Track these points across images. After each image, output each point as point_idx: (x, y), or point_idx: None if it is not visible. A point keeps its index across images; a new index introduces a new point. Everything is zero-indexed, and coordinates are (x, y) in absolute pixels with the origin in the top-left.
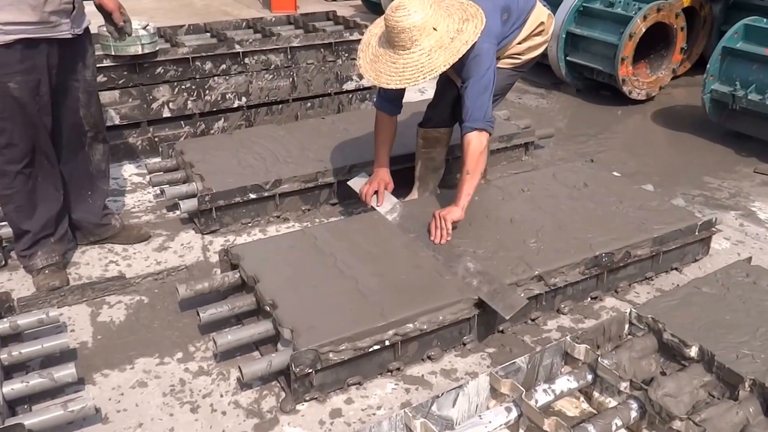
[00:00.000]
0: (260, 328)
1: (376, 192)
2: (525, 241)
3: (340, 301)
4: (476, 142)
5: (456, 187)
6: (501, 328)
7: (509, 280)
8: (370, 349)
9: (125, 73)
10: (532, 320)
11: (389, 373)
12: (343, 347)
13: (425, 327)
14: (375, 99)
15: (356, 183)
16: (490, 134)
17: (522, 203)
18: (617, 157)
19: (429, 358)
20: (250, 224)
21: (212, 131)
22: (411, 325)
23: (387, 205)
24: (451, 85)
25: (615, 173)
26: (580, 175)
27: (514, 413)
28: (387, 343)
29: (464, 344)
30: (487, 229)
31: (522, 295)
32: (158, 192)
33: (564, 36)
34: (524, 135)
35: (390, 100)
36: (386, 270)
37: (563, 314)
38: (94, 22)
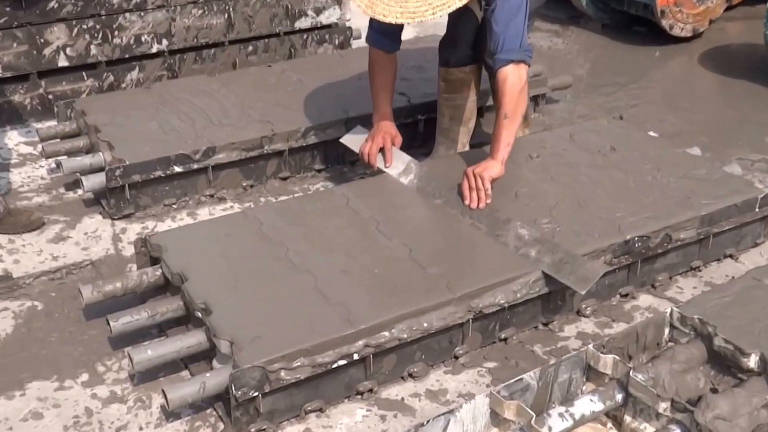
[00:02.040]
0: (190, 340)
1: (381, 150)
2: (536, 222)
3: (293, 303)
4: (514, 78)
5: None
6: (503, 336)
7: (511, 273)
8: (334, 365)
9: (7, 9)
10: (545, 324)
11: (359, 396)
12: (299, 363)
13: (405, 335)
14: (368, 33)
15: (352, 140)
16: (528, 66)
17: (530, 173)
18: (654, 113)
19: (411, 375)
20: (175, 206)
21: (124, 85)
22: (386, 333)
23: (398, 165)
24: (468, 13)
25: (651, 133)
26: (605, 137)
27: None
28: (356, 356)
29: (456, 357)
30: (485, 207)
31: (602, 262)
32: (53, 165)
33: None
34: (533, 85)
35: (386, 34)
36: (360, 260)
37: (584, 316)
38: None
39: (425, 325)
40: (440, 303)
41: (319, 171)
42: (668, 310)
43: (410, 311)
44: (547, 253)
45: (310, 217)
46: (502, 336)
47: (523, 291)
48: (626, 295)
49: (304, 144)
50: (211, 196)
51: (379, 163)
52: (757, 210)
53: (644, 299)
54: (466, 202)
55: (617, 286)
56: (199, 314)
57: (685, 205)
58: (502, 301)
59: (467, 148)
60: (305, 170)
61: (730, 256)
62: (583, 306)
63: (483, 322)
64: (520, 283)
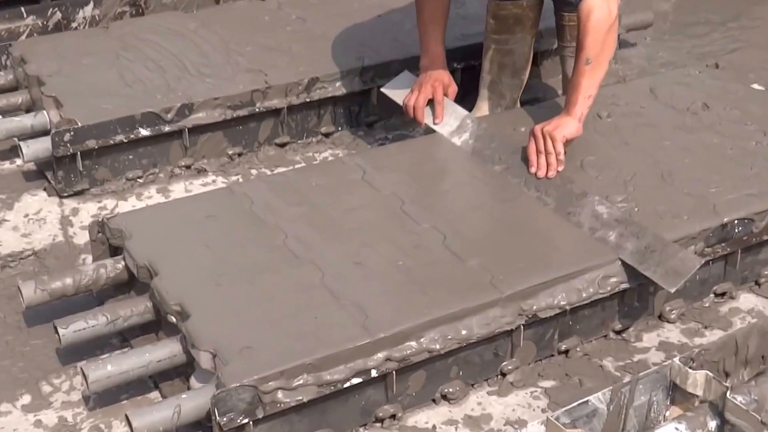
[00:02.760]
0: (161, 352)
1: (429, 102)
2: (608, 198)
3: (293, 304)
4: (601, 12)
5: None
6: (564, 347)
7: (579, 265)
8: (347, 384)
9: None
10: (617, 333)
11: (378, 425)
12: (301, 382)
13: (437, 346)
14: None
15: (396, 89)
16: None
17: (600, 137)
18: (759, 59)
19: (445, 397)
20: (141, 180)
21: (74, 24)
22: (413, 344)
23: (451, 122)
24: None
25: (756, 86)
26: (696, 91)
27: None
28: (374, 373)
29: (503, 374)
30: (555, 176)
31: (693, 252)
32: None
33: None
34: None
35: None
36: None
37: (669, 321)
38: None
39: (463, 332)
40: (483, 305)
41: (326, 135)
42: None
43: (444, 315)
44: (631, 238)
45: (315, 194)
46: (563, 347)
47: (591, 289)
48: (722, 295)
49: (307, 100)
50: (188, 167)
51: (426, 118)
52: None
53: (746, 300)
54: (532, 169)
55: (711, 283)
56: (173, 318)
57: None
58: (563, 303)
59: (518, 105)
60: (309, 134)
61: None
62: (667, 308)
63: (538, 329)
64: (587, 279)
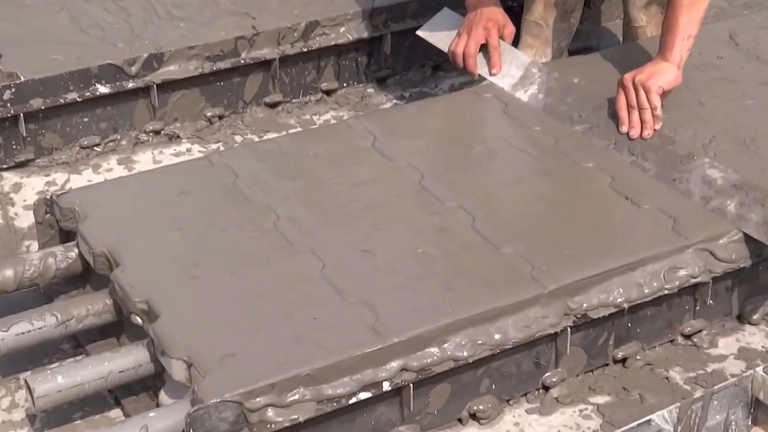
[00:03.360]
0: (123, 360)
1: (482, 47)
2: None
3: (287, 302)
4: None
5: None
6: (620, 354)
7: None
8: (353, 400)
9: None
10: (686, 337)
11: None
12: (297, 396)
13: (464, 353)
14: None
15: (436, 32)
16: None
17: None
18: None
19: (474, 417)
20: (99, 148)
21: None
22: (434, 350)
23: (513, 71)
24: None
25: None
26: None
27: None
28: (387, 386)
29: (546, 387)
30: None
31: None
32: None
33: None
34: None
35: None
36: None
37: (750, 323)
38: None
39: (497, 337)
40: (521, 302)
41: (328, 93)
42: None
43: (472, 315)
44: (755, 206)
45: (313, 165)
46: (620, 355)
47: (655, 283)
48: None
49: (304, 50)
50: (157, 132)
51: (480, 68)
52: None
53: None
54: (623, 128)
55: None
56: (138, 319)
57: None
58: (619, 299)
59: (565, 54)
60: (306, 92)
61: None
62: (749, 307)
63: (589, 332)
64: (650, 271)
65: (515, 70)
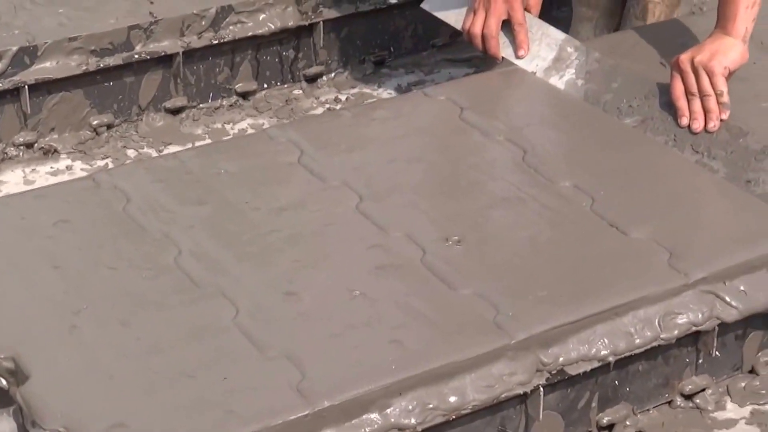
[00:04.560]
0: None
1: (504, 23)
2: None
3: (192, 356)
4: None
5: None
6: (606, 420)
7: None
8: None
9: None
10: (687, 397)
11: None
12: None
13: (412, 420)
14: None
15: (446, 4)
16: None
17: None
18: None
19: None
20: None
21: None
22: (375, 416)
23: (543, 52)
24: None
25: None
26: None
27: None
28: None
29: None
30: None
31: None
32: None
33: None
34: None
35: None
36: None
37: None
38: None
39: (452, 399)
40: (482, 356)
41: (244, 96)
42: None
43: (421, 373)
44: None
45: (225, 186)
46: (605, 420)
47: (648, 332)
48: None
49: (214, 42)
50: (29, 146)
51: (504, 50)
52: None
53: None
54: (684, 120)
55: None
56: (3, 381)
57: None
58: (603, 352)
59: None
60: (217, 95)
61: None
62: (764, 360)
63: (566, 391)
64: (642, 317)
65: (546, 51)
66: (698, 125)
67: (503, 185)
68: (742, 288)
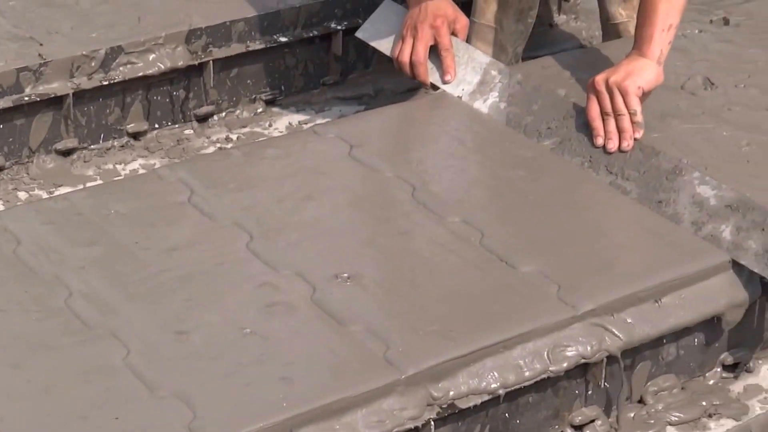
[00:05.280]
0: None
1: (432, 48)
2: None
3: (80, 399)
4: None
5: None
6: None
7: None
8: None
9: None
10: (576, 428)
11: None
12: None
13: None
14: None
15: (378, 32)
16: None
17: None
18: None
19: None
20: None
21: None
22: None
23: (469, 75)
24: None
25: None
26: (695, 60)
27: None
28: None
29: None
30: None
31: None
32: None
33: None
34: None
35: None
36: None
37: (656, 409)
38: None
39: None
40: (372, 391)
41: (135, 136)
42: None
43: (312, 409)
44: (754, 232)
45: (115, 227)
46: None
47: (538, 365)
48: (734, 366)
49: (104, 83)
50: None
51: (431, 75)
52: None
53: None
54: (599, 140)
55: (716, 350)
56: None
57: None
58: (493, 385)
59: (520, 61)
60: (108, 135)
61: None
62: (652, 389)
63: (457, 425)
64: (531, 349)
65: (472, 74)
66: (613, 145)
67: (393, 222)
68: (629, 320)
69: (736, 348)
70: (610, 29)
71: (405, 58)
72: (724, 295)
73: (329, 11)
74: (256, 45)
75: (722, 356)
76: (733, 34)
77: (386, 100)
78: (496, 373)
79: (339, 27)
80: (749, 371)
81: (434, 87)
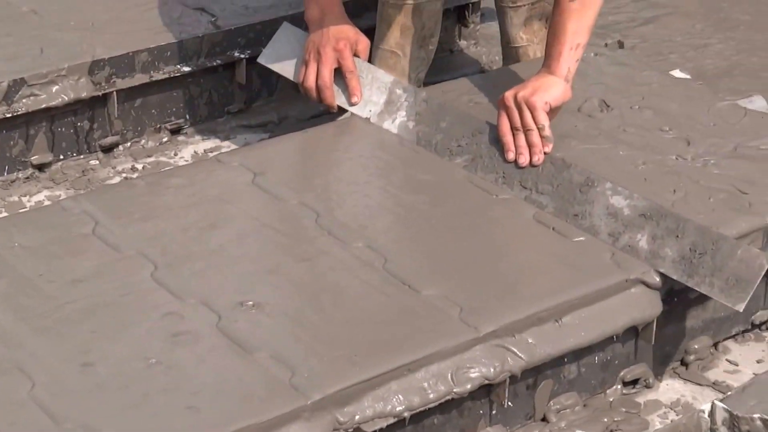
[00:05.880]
0: None
1: (336, 71)
2: None
3: None
4: None
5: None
6: None
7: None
8: None
9: None
10: None
11: None
12: None
13: None
14: None
15: (281, 57)
16: None
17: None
18: (685, 32)
19: None
20: None
21: None
22: None
23: (375, 96)
24: None
25: (677, 72)
26: (590, 82)
27: None
28: None
29: None
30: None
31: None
32: None
33: None
34: None
35: None
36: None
37: (559, 427)
38: None
39: None
40: (278, 417)
41: (40, 168)
42: (706, 406)
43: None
44: (669, 239)
45: (19, 260)
46: None
47: (442, 387)
48: (634, 383)
49: (7, 115)
50: None
51: (338, 98)
52: None
53: (668, 388)
54: (510, 155)
55: (617, 367)
56: None
57: (744, 209)
58: (399, 408)
59: (421, 86)
60: (13, 168)
61: None
62: (555, 407)
63: None
64: (436, 372)
65: (378, 95)
66: (524, 159)
67: (297, 248)
68: (530, 340)
69: (636, 365)
70: (511, 53)
71: (311, 83)
72: (624, 314)
73: (232, 40)
74: (160, 75)
75: (622, 373)
76: (627, 57)
77: (291, 127)
78: (401, 396)
79: (242, 55)
80: (649, 387)
81: (342, 110)
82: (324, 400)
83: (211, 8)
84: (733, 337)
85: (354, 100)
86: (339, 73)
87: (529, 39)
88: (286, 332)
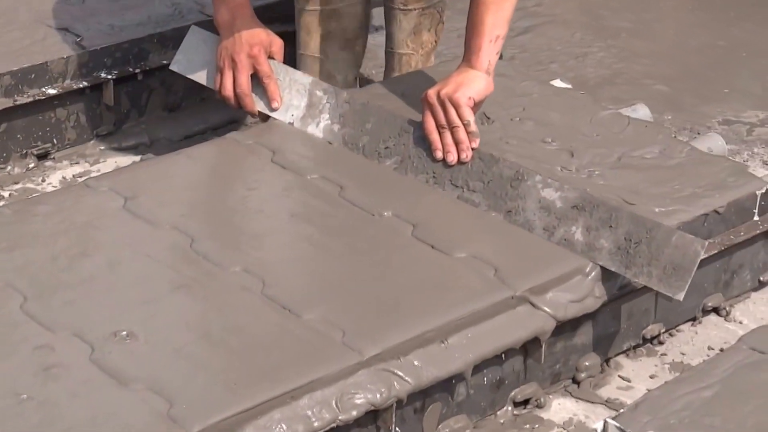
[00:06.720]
0: None
1: (253, 76)
2: None
3: None
4: None
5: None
6: None
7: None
8: None
9: None
10: None
11: None
12: None
13: None
14: None
15: (193, 63)
16: None
17: None
18: (566, 42)
19: None
20: None
21: None
22: None
23: (295, 99)
24: None
25: (558, 82)
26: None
27: None
28: None
29: None
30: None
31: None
32: None
33: None
34: None
35: None
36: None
37: None
38: None
39: None
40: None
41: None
42: (598, 425)
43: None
44: (603, 230)
45: None
46: None
47: (326, 414)
48: (525, 403)
49: None
50: None
51: (258, 104)
52: (757, 218)
53: (559, 407)
54: (438, 153)
55: (507, 387)
56: None
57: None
58: (316, 424)
59: (357, 85)
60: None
61: (714, 309)
62: (444, 430)
63: None
64: (318, 399)
65: (298, 98)
66: (452, 157)
67: (171, 274)
68: (416, 362)
69: (526, 384)
70: (393, 58)
71: (228, 91)
72: (511, 332)
73: (98, 61)
74: (24, 98)
75: (513, 393)
76: (506, 68)
77: (163, 149)
78: (284, 425)
79: (109, 76)
80: (540, 407)
81: (263, 116)
82: (204, 431)
83: (75, 28)
84: (624, 352)
85: (274, 105)
86: (256, 79)
87: (414, 49)
88: (163, 362)
